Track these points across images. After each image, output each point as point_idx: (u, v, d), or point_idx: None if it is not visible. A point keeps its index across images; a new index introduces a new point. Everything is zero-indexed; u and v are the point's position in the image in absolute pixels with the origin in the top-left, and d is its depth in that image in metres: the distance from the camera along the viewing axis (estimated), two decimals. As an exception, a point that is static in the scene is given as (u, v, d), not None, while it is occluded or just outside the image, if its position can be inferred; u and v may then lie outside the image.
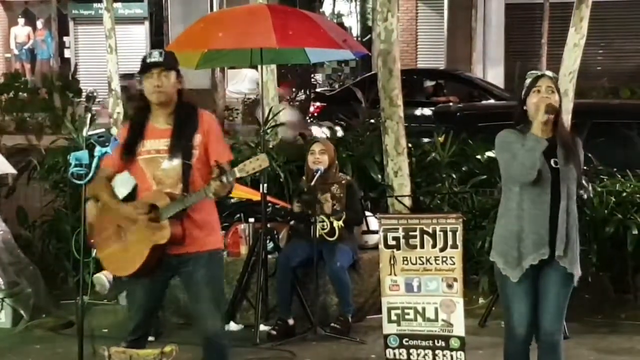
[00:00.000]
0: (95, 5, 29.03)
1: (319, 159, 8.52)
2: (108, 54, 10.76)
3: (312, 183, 8.28)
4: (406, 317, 7.14)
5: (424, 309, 7.10)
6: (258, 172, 5.62)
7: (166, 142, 5.75)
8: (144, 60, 5.80)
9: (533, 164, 5.58)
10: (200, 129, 5.77)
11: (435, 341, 7.07)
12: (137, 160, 5.81)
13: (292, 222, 8.81)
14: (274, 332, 8.21)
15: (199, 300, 5.81)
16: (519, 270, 5.70)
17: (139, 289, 5.90)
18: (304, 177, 8.71)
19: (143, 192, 5.85)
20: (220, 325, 5.87)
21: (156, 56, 5.77)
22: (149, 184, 5.79)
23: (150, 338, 7.90)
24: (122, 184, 6.49)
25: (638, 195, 9.22)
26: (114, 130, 10.26)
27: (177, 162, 5.71)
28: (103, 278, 8.26)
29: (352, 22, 37.92)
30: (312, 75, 25.49)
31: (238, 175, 5.48)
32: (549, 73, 5.80)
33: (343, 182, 8.60)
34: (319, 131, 14.60)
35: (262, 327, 8.27)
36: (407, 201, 9.27)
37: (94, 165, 7.13)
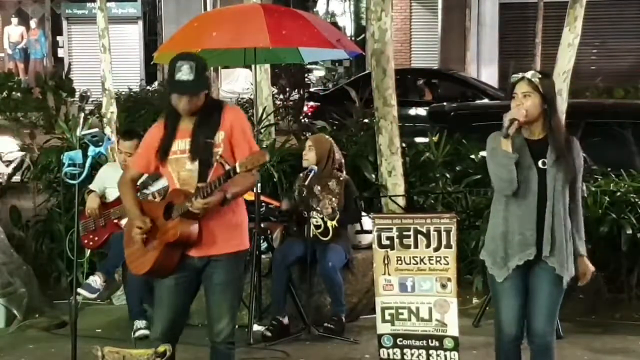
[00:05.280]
0: (88, 4, 29.03)
1: (305, 155, 8.54)
2: (101, 53, 10.73)
3: (307, 182, 8.27)
4: (400, 316, 7.13)
5: (417, 308, 7.08)
6: (257, 167, 5.53)
7: (189, 142, 5.70)
8: (172, 72, 5.58)
9: (510, 179, 5.63)
10: (223, 126, 5.67)
11: (429, 341, 7.06)
12: (167, 161, 5.75)
13: (284, 222, 8.79)
14: (268, 334, 8.19)
15: (212, 304, 5.81)
16: (504, 270, 5.74)
17: (165, 292, 5.85)
18: (300, 175, 8.70)
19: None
20: (228, 330, 5.83)
21: (185, 77, 5.53)
22: (175, 184, 5.77)
23: (144, 332, 7.93)
24: (114, 185, 6.47)
25: (632, 195, 9.23)
26: (107, 130, 10.26)
27: (197, 163, 5.67)
28: (84, 292, 8.25)
29: (346, 22, 37.96)
30: (306, 75, 25.47)
31: (239, 170, 5.39)
32: (529, 74, 5.69)
33: (341, 178, 8.58)
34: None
35: (256, 327, 8.26)
36: (401, 201, 9.26)
37: (87, 165, 7.13)
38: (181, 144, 5.71)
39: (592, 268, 5.95)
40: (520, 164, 5.64)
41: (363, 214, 8.84)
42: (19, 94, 24.75)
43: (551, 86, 5.78)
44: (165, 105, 5.92)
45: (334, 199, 8.44)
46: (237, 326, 8.33)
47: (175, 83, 5.60)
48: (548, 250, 5.66)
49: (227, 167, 5.47)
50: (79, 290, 7.94)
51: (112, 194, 8.42)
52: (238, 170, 5.40)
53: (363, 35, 27.70)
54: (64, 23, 30.92)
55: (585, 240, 8.79)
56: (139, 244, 5.79)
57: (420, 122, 14.99)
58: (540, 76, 5.70)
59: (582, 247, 5.90)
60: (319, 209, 8.36)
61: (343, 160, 8.82)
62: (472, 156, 10.52)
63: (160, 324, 5.87)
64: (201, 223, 5.65)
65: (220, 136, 5.67)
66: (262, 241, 8.56)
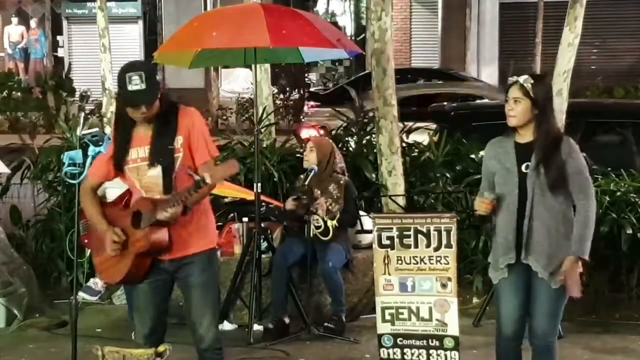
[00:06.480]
0: (88, 4, 29.05)
1: (306, 156, 8.55)
2: (101, 53, 10.74)
3: (307, 182, 8.27)
4: (400, 316, 7.12)
5: (418, 308, 7.08)
6: (228, 178, 5.51)
7: (149, 149, 5.64)
8: (123, 84, 5.50)
9: None
10: (181, 130, 5.62)
11: (430, 341, 7.06)
12: (125, 170, 5.70)
13: (284, 222, 8.79)
14: (270, 326, 8.18)
15: (190, 308, 5.79)
16: (498, 273, 5.80)
17: (141, 297, 5.85)
18: (301, 176, 8.70)
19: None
20: (212, 333, 5.80)
21: (137, 87, 5.46)
22: (138, 192, 5.72)
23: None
24: (115, 185, 6.44)
25: (632, 195, 9.22)
26: (107, 130, 10.26)
27: (159, 169, 5.61)
28: (84, 295, 8.24)
29: (346, 21, 37.99)
30: (306, 75, 25.49)
31: (209, 181, 5.31)
32: (522, 79, 5.66)
33: (341, 182, 8.58)
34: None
35: (256, 327, 8.26)
36: (401, 200, 9.24)
37: (87, 164, 7.13)
38: (140, 152, 5.66)
39: (574, 271, 5.71)
40: (502, 167, 5.68)
41: (363, 213, 8.83)
42: (19, 94, 24.77)
43: (545, 91, 5.75)
44: (117, 114, 5.83)
45: (333, 203, 8.43)
46: (237, 326, 8.45)
47: (128, 95, 5.53)
48: (523, 254, 5.67)
49: (197, 177, 5.36)
50: (80, 293, 7.93)
51: (112, 194, 8.41)
52: (208, 181, 5.30)
53: (363, 35, 27.74)
54: (64, 23, 30.93)
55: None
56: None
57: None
58: (532, 81, 5.67)
59: (577, 246, 5.71)
60: (317, 210, 8.36)
61: (344, 164, 8.83)
62: (472, 156, 10.50)
63: (142, 328, 5.88)
64: (170, 229, 5.61)
65: (179, 141, 5.62)
66: (262, 241, 8.55)
